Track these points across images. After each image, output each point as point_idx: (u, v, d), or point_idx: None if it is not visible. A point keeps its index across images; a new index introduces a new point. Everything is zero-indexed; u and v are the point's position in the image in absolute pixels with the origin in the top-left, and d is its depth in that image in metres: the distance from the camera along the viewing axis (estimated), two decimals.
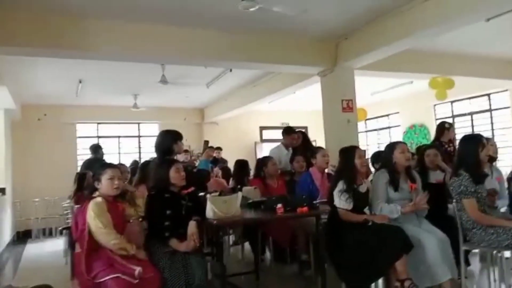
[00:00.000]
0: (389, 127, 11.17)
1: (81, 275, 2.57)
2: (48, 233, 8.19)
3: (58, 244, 6.50)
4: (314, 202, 3.62)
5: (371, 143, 11.57)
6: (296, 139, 5.46)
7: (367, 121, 11.27)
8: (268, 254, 4.76)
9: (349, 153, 3.44)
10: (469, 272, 3.74)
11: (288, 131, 5.54)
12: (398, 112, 10.71)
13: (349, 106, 6.18)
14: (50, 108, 8.92)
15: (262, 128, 11.34)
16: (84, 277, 2.53)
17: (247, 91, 8.65)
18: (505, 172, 4.30)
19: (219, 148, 8.82)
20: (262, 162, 4.66)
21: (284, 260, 4.44)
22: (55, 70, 6.51)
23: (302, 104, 10.01)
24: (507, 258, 3.45)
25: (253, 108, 9.57)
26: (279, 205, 3.24)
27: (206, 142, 8.66)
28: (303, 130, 5.50)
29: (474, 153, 3.25)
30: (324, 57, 6.08)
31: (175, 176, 3.03)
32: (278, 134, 6.12)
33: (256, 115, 10.76)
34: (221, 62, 5.93)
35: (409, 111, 10.21)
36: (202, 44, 5.27)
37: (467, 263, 3.65)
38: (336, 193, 3.32)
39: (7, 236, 7.17)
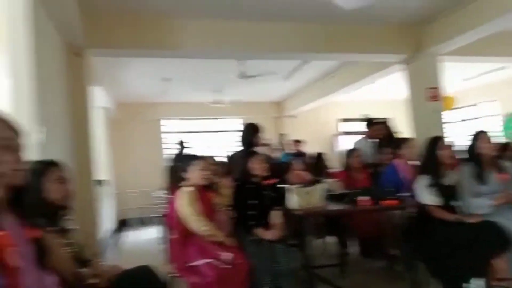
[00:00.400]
0: (484, 116, 10.34)
1: (175, 259, 2.76)
2: (143, 222, 8.85)
3: (152, 232, 7.02)
4: (399, 195, 3.51)
5: (463, 133, 10.81)
6: (379, 130, 5.30)
7: (459, 110, 10.55)
8: (352, 248, 4.68)
9: (431, 144, 3.27)
10: None
11: (371, 122, 5.39)
12: (495, 100, 9.88)
13: (434, 94, 5.85)
14: (142, 106, 9.59)
15: (340, 120, 11.15)
16: (178, 261, 2.72)
17: (325, 82, 8.56)
18: None
19: (298, 141, 8.83)
20: (347, 154, 4.60)
21: (370, 255, 4.34)
22: (144, 70, 6.98)
23: (382, 94, 9.67)
24: None
25: (331, 100, 9.44)
26: (363, 197, 3.19)
27: (282, 135, 8.73)
28: (387, 122, 5.27)
29: None
30: (406, 44, 5.81)
31: (256, 167, 3.13)
32: (356, 126, 5.99)
33: (334, 107, 10.60)
34: (298, 54, 5.92)
35: (508, 99, 9.38)
36: (280, 38, 5.31)
37: None
38: (421, 188, 3.18)
39: (111, 224, 7.86)
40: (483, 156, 3.25)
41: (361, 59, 6.55)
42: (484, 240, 2.87)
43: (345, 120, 11.07)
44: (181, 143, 7.49)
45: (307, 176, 5.48)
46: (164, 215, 3.42)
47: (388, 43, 5.80)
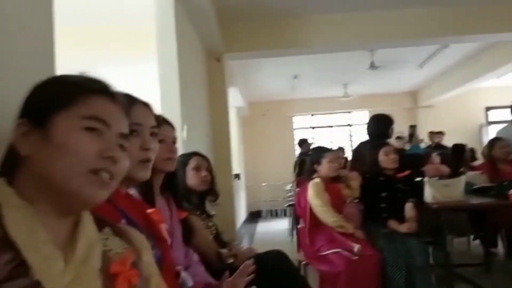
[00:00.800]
0: None
1: (305, 247, 2.85)
2: (274, 214, 9.24)
3: (283, 224, 7.28)
4: None
5: None
6: None
7: None
8: (500, 249, 4.21)
9: None
10: None
11: None
12: None
13: None
14: (271, 103, 9.99)
15: (488, 109, 9.97)
16: (308, 249, 2.80)
17: (467, 67, 7.75)
18: None
19: (440, 133, 8.18)
20: (489, 145, 4.14)
21: None
22: (273, 69, 7.27)
23: None
24: None
25: (476, 86, 8.50)
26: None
27: (413, 127, 8.17)
28: None
29: None
30: None
31: (384, 159, 3.03)
32: (508, 114, 5.25)
33: (480, 94, 9.51)
34: (433, 39, 5.49)
35: None
36: (412, 24, 5.02)
37: None
38: None
39: (243, 215, 8.40)
40: None
41: (508, 38, 5.78)
42: None
43: (494, 108, 9.87)
44: (301, 142, 7.55)
45: (445, 169, 5.08)
46: (293, 205, 3.54)
47: None
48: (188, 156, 2.22)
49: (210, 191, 2.22)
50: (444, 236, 2.85)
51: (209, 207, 2.27)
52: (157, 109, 1.35)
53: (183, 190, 2.06)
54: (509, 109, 4.95)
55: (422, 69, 7.80)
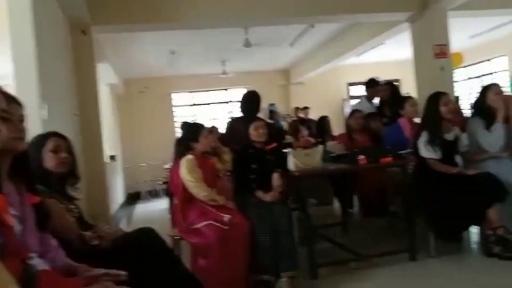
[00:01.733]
0: (492, 73, 10.10)
1: (179, 223, 2.90)
2: (154, 194, 9.12)
3: (163, 203, 7.23)
4: (402, 152, 3.54)
5: (472, 91, 10.62)
6: (381, 91, 5.29)
7: (467, 68, 10.33)
8: (356, 209, 4.79)
9: (433, 100, 3.28)
10: None
11: (370, 83, 5.39)
12: (504, 55, 9.61)
13: (442, 51, 5.74)
14: (149, 80, 9.68)
15: (349, 84, 11.04)
16: (181, 225, 2.86)
17: (332, 46, 8.45)
18: None
19: (306, 108, 8.83)
20: (347, 116, 4.65)
21: (372, 214, 4.43)
22: (150, 44, 7.03)
23: (392, 55, 9.51)
24: None
25: (340, 64, 9.34)
26: (361, 156, 3.24)
27: (272, 104, 8.77)
28: (391, 83, 5.29)
29: None
30: (413, 1, 5.69)
31: (254, 133, 3.21)
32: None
33: (343, 71, 10.47)
34: (300, 18, 5.86)
35: None
36: (284, 2, 5.28)
37: None
38: (421, 143, 3.23)
39: (120, 197, 8.12)
40: (493, 109, 3.27)
41: (367, 19, 6.42)
42: (481, 191, 2.94)
43: (355, 84, 10.96)
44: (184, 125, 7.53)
45: (313, 141, 5.56)
46: (167, 183, 3.55)
47: (394, 1, 5.69)
48: (44, 137, 2.07)
49: (71, 174, 2.11)
50: (304, 200, 3.13)
51: (71, 189, 2.16)
52: (10, 86, 1.23)
53: (40, 173, 1.93)
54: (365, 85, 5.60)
55: (293, 48, 8.26)
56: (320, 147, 3.34)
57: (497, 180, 2.93)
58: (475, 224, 3.17)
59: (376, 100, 5.50)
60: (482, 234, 3.20)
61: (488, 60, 10.08)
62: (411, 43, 6.03)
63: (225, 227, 2.68)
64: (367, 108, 5.20)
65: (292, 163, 3.10)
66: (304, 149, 3.56)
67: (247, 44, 7.03)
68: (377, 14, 5.78)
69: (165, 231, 3.34)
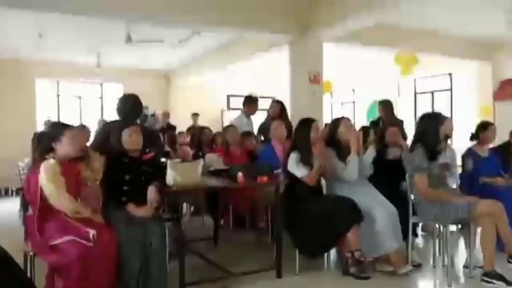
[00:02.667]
0: (353, 102, 11.32)
1: (33, 237, 2.53)
2: (4, 193, 7.97)
3: (15, 204, 6.34)
4: (275, 171, 3.67)
5: (335, 116, 11.69)
6: (257, 107, 5.50)
7: (333, 94, 11.35)
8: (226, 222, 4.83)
9: (305, 126, 3.48)
10: (416, 244, 3.96)
11: (248, 100, 5.55)
12: (361, 86, 10.82)
13: (316, 78, 6.21)
14: (7, 62, 8.46)
15: (229, 96, 11.22)
16: (36, 239, 2.49)
17: (216, 56, 8.50)
18: (459, 152, 4.49)
19: (196, 114, 8.77)
20: (224, 130, 4.69)
21: (243, 228, 4.52)
22: (13, 22, 6.15)
23: (272, 73, 9.95)
24: (452, 232, 3.66)
25: (221, 74, 9.44)
26: (240, 174, 3.26)
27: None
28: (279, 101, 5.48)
29: (434, 130, 3.39)
30: (294, 25, 6.04)
31: (128, 140, 2.97)
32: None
33: (224, 82, 10.61)
34: (186, 23, 5.76)
35: (374, 86, 10.34)
36: (173, 3, 5.12)
37: (415, 235, 3.85)
38: (292, 164, 3.37)
39: None
40: (343, 140, 3.58)
41: (250, 36, 6.62)
42: (343, 214, 3.18)
43: (234, 96, 11.18)
44: (48, 123, 6.75)
45: (190, 151, 5.48)
46: (23, 189, 3.09)
47: (278, 22, 5.96)
48: None
49: None
50: (179, 216, 3.03)
51: None
52: None
53: None
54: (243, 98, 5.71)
55: (176, 51, 8.09)
56: (200, 161, 3.25)
57: (355, 204, 3.23)
58: (334, 246, 3.43)
59: (256, 117, 5.65)
60: (340, 254, 3.48)
61: (352, 90, 11.26)
62: (289, 65, 6.39)
63: (89, 244, 2.40)
64: (244, 124, 5.31)
65: (170, 176, 2.95)
66: (183, 161, 3.43)
67: (128, 39, 6.66)
68: (260, 32, 6.00)
69: (17, 240, 2.92)
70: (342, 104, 11.64)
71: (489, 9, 6.00)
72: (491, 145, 4.47)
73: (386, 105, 5.69)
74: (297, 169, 3.39)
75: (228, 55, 8.17)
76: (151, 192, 2.86)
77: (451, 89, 9.31)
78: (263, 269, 3.33)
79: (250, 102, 5.50)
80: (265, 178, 3.31)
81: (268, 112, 5.48)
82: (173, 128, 7.72)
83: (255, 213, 4.37)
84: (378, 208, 3.32)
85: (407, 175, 3.53)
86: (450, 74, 9.24)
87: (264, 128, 5.06)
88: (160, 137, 5.00)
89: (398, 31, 6.93)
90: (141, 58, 8.88)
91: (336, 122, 3.69)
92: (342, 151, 3.58)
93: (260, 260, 3.75)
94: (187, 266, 2.99)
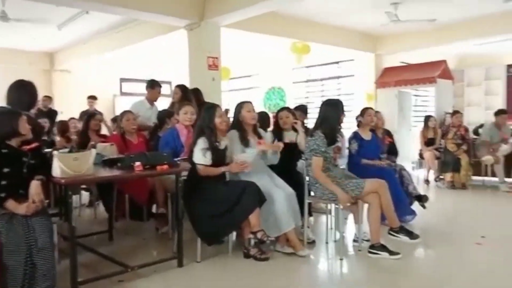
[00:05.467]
0: (250, 88, 11.54)
1: None
2: None
3: None
4: (177, 159, 3.57)
5: (233, 102, 11.82)
6: (160, 93, 5.28)
7: (231, 80, 11.44)
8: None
9: (210, 111, 3.44)
10: (310, 222, 4.19)
11: (152, 84, 5.30)
12: (258, 74, 11.09)
13: (214, 63, 6.18)
14: None
15: (122, 80, 10.64)
16: None
17: (107, 38, 7.96)
18: (346, 135, 4.85)
19: (93, 98, 8.07)
20: (120, 117, 4.41)
21: (141, 218, 4.34)
22: None
23: (169, 57, 9.65)
24: (342, 209, 3.95)
25: (113, 57, 8.88)
26: (137, 163, 3.10)
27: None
28: (185, 85, 5.24)
29: (336, 117, 3.59)
30: (192, 10, 5.91)
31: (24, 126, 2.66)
32: (141, 88, 5.86)
33: (117, 66, 9.99)
34: (72, 1, 5.29)
35: (269, 73, 10.65)
36: None
37: (310, 214, 4.08)
38: (197, 150, 3.33)
39: None
40: (245, 124, 3.63)
41: (145, 18, 6.31)
42: (245, 198, 3.22)
43: (128, 80, 10.64)
44: None
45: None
46: None
47: (175, 5, 5.77)
48: None
49: None
50: (68, 210, 2.77)
51: None
52: None
53: None
54: (140, 83, 5.44)
55: (61, 31, 7.39)
56: (93, 151, 3.01)
57: (257, 188, 3.29)
58: (236, 228, 3.48)
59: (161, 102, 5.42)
60: (241, 238, 3.53)
61: (249, 76, 11.46)
62: (188, 50, 6.26)
63: None
64: (146, 109, 5.07)
65: (57, 168, 2.68)
66: (70, 151, 3.13)
67: (4, 17, 5.92)
68: (156, 14, 5.76)
69: None
70: (240, 90, 11.79)
71: (373, 2, 6.51)
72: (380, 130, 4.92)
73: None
74: (200, 157, 3.32)
75: (121, 37, 7.71)
76: (33, 186, 2.57)
77: (339, 77, 10.00)
78: (164, 260, 3.24)
79: (153, 86, 5.25)
80: (165, 167, 3.19)
81: (146, 96, 5.27)
82: (54, 113, 7.03)
83: (154, 203, 4.22)
84: (277, 190, 3.44)
85: (304, 158, 3.70)
86: (338, 63, 9.90)
87: (164, 114, 4.82)
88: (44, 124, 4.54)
89: (293, 21, 7.20)
90: (20, 38, 7.95)
91: (240, 105, 3.71)
92: (244, 134, 3.62)
93: (160, 250, 3.66)
94: (80, 264, 2.79)
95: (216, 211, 3.28)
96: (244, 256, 3.36)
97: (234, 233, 3.62)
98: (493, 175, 6.69)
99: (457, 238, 4.00)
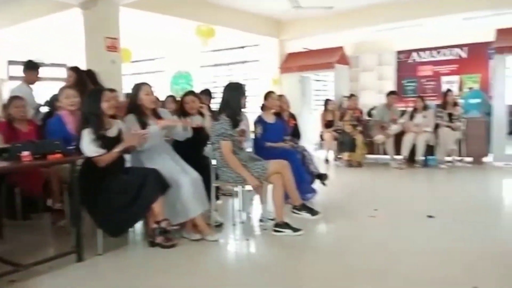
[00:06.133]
0: (155, 72, 11.17)
1: None
2: None
3: None
4: (70, 147, 3.32)
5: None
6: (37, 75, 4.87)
7: (134, 64, 10.96)
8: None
9: (96, 96, 3.22)
10: (218, 206, 4.23)
11: (29, 65, 4.85)
12: (164, 57, 10.77)
13: (113, 45, 5.84)
14: None
15: (10, 63, 9.57)
16: None
17: None
18: (251, 118, 4.94)
19: None
20: (7, 103, 3.97)
21: (35, 212, 4.00)
22: None
23: (64, 38, 8.89)
24: (249, 191, 4.04)
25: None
26: (25, 153, 2.83)
27: None
28: (78, 67, 4.81)
29: (238, 100, 3.61)
30: None
31: None
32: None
33: (4, 47, 8.96)
34: None
35: (175, 57, 10.39)
36: None
37: (217, 197, 4.10)
38: (85, 144, 3.08)
39: None
40: (143, 107, 3.51)
41: None
42: (148, 186, 3.12)
43: (17, 63, 9.60)
44: None
45: None
46: None
47: None
48: None
49: None
50: None
51: None
52: None
53: None
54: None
55: None
56: None
57: (160, 174, 3.21)
58: (140, 219, 3.37)
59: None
60: (146, 226, 3.43)
61: (153, 59, 11.07)
62: (84, 31, 5.83)
63: None
64: (27, 94, 4.62)
65: None
66: None
67: None
68: None
69: None
70: (144, 74, 11.34)
71: None
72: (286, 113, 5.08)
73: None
74: (90, 148, 3.10)
75: (7, 15, 6.92)
76: None
77: (245, 62, 10.11)
78: (61, 255, 3.03)
79: (30, 68, 4.81)
80: (58, 156, 2.95)
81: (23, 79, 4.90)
82: None
83: (49, 195, 3.91)
84: (182, 175, 3.39)
85: (210, 142, 3.69)
86: (243, 47, 9.98)
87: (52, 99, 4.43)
88: None
89: (197, 3, 7.07)
90: None
91: (137, 88, 3.56)
92: (143, 117, 3.49)
93: (57, 246, 3.42)
94: None
95: (117, 202, 3.13)
96: (150, 245, 3.27)
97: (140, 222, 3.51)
98: (385, 153, 7.34)
99: (354, 212, 4.32)
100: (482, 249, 3.11)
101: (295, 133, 5.33)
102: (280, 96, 5.28)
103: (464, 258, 2.95)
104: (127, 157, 3.51)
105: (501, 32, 7.13)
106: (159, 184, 3.17)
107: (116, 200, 3.13)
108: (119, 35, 5.90)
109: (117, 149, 3.18)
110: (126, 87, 6.97)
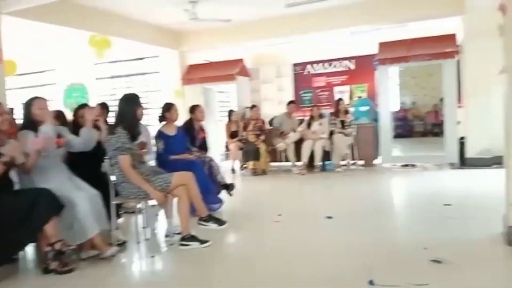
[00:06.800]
0: (46, 85, 10.31)
1: None
2: None
3: None
4: None
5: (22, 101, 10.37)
6: None
7: (20, 77, 10.02)
8: None
9: None
10: (120, 224, 4.02)
11: None
12: (54, 70, 10.01)
13: None
14: None
15: None
16: None
17: None
18: (153, 131, 4.80)
19: None
20: None
21: None
22: None
23: None
24: (153, 206, 3.90)
25: None
26: None
27: None
28: None
29: (133, 111, 3.47)
30: None
31: None
32: None
33: None
34: None
35: (67, 69, 9.71)
36: None
37: (119, 216, 3.90)
38: None
39: None
40: (39, 123, 3.26)
41: None
42: (38, 207, 2.86)
43: None
44: None
45: None
46: None
47: None
48: None
49: None
50: None
51: None
52: None
53: None
54: None
55: None
56: None
57: (52, 194, 2.96)
58: (30, 243, 3.06)
59: None
60: (39, 251, 3.13)
61: (41, 72, 10.23)
62: None
63: None
64: None
65: None
66: None
67: None
68: None
69: None
70: (32, 87, 10.40)
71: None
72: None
73: None
74: None
75: None
76: None
77: (144, 74, 9.83)
78: None
79: None
80: None
81: None
82: None
83: None
84: (78, 193, 3.17)
85: (107, 157, 3.50)
86: (142, 59, 9.71)
87: None
88: None
89: (90, 12, 6.72)
90: None
91: (29, 103, 3.30)
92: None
93: None
94: None
95: (3, 226, 2.81)
96: (44, 272, 2.97)
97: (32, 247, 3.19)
98: (287, 159, 7.65)
99: (259, 218, 4.42)
100: (376, 245, 3.36)
101: (203, 146, 5.32)
102: (197, 106, 5.36)
103: (360, 255, 3.16)
104: (15, 178, 3.19)
105: (383, 45, 7.88)
106: (52, 204, 2.92)
107: (1, 224, 2.80)
108: (1, 46, 5.35)
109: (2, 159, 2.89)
110: (11, 102, 6.38)
